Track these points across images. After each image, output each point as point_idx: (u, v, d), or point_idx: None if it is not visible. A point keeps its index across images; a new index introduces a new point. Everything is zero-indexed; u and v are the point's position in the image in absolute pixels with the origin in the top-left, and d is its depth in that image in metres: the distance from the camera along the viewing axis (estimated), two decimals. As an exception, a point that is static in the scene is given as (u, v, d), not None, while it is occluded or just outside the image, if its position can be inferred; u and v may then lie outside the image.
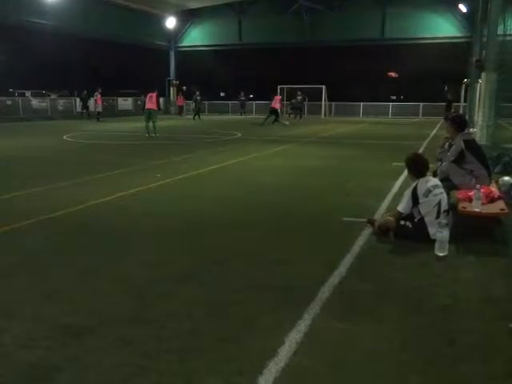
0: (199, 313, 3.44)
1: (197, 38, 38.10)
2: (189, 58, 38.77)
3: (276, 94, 28.21)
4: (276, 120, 24.50)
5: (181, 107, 35.45)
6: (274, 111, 24.89)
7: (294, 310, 3.43)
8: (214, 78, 41.14)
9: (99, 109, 28.39)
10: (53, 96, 33.25)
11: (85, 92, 29.81)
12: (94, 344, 3.00)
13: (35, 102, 30.07)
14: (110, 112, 29.19)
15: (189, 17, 37.19)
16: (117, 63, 42.69)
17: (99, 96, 28.36)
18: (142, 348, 2.96)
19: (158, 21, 35.81)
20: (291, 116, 31.77)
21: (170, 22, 36.05)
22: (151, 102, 18.25)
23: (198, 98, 30.86)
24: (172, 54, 39.17)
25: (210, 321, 3.32)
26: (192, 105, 31.52)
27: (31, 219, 5.89)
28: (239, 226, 5.80)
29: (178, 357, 2.88)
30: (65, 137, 17.46)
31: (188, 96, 36.36)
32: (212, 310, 3.49)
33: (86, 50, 37.88)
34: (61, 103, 31.69)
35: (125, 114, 33.89)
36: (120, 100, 35.53)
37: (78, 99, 31.34)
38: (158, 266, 4.41)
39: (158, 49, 38.28)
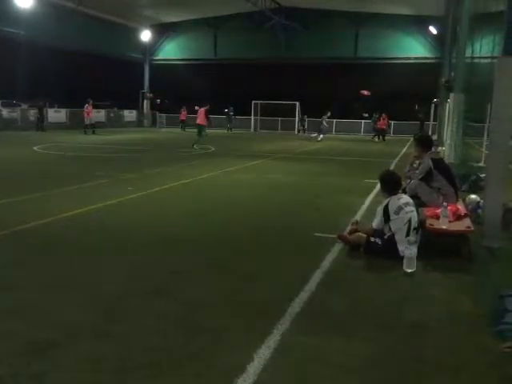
0: (169, 328, 3.41)
1: (172, 51, 38.17)
2: (163, 71, 38.71)
3: (382, 115, 28.08)
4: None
5: (184, 121, 33.11)
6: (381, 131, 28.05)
7: (264, 326, 3.43)
8: (189, 92, 41.13)
9: (88, 121, 26.99)
10: (24, 106, 32.61)
11: (40, 102, 28.55)
12: (60, 360, 2.95)
13: (5, 112, 29.44)
14: (83, 123, 28.37)
15: (164, 30, 37.28)
16: (91, 74, 42.27)
17: (90, 108, 27.01)
18: (109, 364, 2.92)
19: (133, 33, 35.78)
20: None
21: (145, 35, 36.07)
22: (199, 117, 18.76)
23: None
24: (146, 66, 39.12)
25: (179, 336, 3.30)
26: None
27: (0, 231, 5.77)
28: (211, 241, 5.78)
29: (147, 373, 2.85)
30: (35, 148, 17.15)
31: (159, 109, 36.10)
32: (182, 325, 3.47)
33: (60, 60, 37.41)
34: (32, 113, 31.11)
35: (97, 125, 33.46)
36: (93, 112, 35.08)
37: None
38: (129, 280, 4.36)
39: (132, 61, 38.16)
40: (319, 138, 26.36)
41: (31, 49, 33.38)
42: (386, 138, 28.40)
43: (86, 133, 26.22)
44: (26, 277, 4.39)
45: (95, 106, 36.12)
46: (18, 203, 7.58)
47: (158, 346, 3.15)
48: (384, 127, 28.53)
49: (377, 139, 27.85)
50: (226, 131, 33.10)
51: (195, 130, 18.80)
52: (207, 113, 18.98)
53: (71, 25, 29.43)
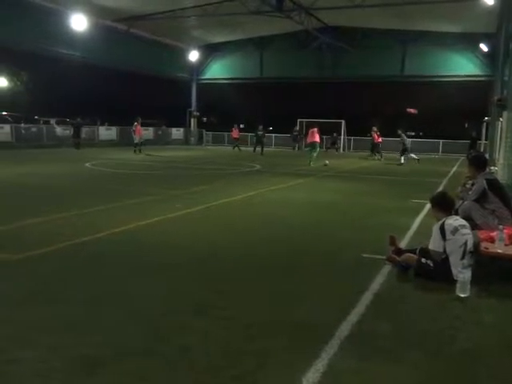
0: (213, 348, 3.39)
1: (218, 70, 38.86)
2: (210, 90, 39.49)
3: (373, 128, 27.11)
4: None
5: (236, 139, 31.92)
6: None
7: (311, 348, 3.36)
8: (234, 111, 41.68)
9: (137, 140, 25.76)
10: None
11: (78, 119, 28.60)
12: (107, 378, 2.97)
13: (59, 130, 30.66)
14: (131, 141, 28.93)
15: (211, 50, 38.05)
16: (140, 93, 43.61)
17: (138, 126, 25.81)
18: (155, 383, 2.92)
19: (182, 54, 36.69)
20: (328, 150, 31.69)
21: (193, 56, 36.89)
22: (314, 136, 21.38)
23: (260, 132, 28.92)
24: (194, 85, 39.95)
25: (224, 357, 3.27)
26: (254, 138, 29.92)
27: (50, 246, 5.94)
28: (255, 260, 5.76)
29: (193, 393, 2.83)
30: (87, 164, 17.73)
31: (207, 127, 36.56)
32: (227, 345, 3.44)
33: (111, 80, 38.83)
34: (84, 131, 32.22)
35: (146, 143, 34.31)
36: (141, 130, 36.00)
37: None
38: (173, 298, 4.39)
39: (180, 80, 39.11)
40: (413, 157, 24.46)
41: (85, 69, 34.81)
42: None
43: (135, 152, 25.22)
44: (76, 292, 4.48)
45: (142, 124, 36.77)
46: (68, 219, 7.80)
47: (202, 367, 3.12)
48: (379, 140, 26.77)
49: (376, 157, 26.37)
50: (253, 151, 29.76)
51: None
52: (318, 132, 21.69)
53: (122, 46, 30.50)
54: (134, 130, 25.97)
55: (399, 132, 24.30)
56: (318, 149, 21.84)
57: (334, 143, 33.18)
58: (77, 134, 28.28)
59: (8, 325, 3.71)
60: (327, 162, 20.88)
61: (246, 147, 31.74)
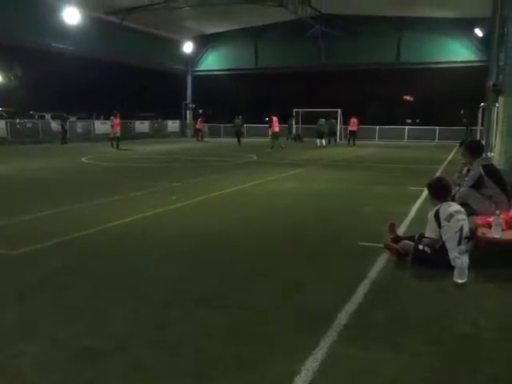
0: (216, 337, 3.41)
1: (213, 62, 38.65)
2: (205, 82, 39.33)
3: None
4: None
5: (200, 130, 33.56)
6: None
7: (310, 337, 3.38)
8: (230, 102, 41.53)
9: (115, 134, 24.88)
10: (72, 119, 33.68)
11: (63, 114, 28.38)
12: (110, 368, 2.99)
13: (54, 125, 30.47)
14: (127, 135, 28.53)
15: (205, 42, 37.81)
16: (135, 87, 43.42)
17: (117, 120, 25.09)
18: (158, 372, 2.94)
19: (176, 46, 36.43)
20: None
21: (187, 47, 36.66)
22: (276, 125, 24.39)
23: (238, 122, 29.58)
24: (189, 77, 39.74)
25: (226, 346, 3.29)
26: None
27: (52, 240, 5.95)
28: (254, 249, 5.77)
29: (197, 382, 2.85)
30: (83, 159, 17.68)
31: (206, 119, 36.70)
32: (229, 334, 3.46)
33: (105, 73, 38.63)
34: (79, 126, 32.09)
35: (142, 136, 34.29)
36: (137, 123, 35.94)
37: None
38: (176, 287, 4.41)
39: (175, 73, 38.91)
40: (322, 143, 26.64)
41: (79, 63, 34.61)
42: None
43: (112, 146, 24.42)
44: (78, 284, 4.50)
45: (140, 118, 36.57)
46: (70, 212, 7.81)
47: (205, 355, 3.15)
48: (354, 129, 29.15)
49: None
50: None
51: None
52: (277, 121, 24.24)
53: (115, 39, 30.16)
54: (112, 125, 25.43)
55: (320, 120, 27.91)
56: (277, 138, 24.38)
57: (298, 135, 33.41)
58: (64, 129, 28.14)
59: (12, 318, 3.73)
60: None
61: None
